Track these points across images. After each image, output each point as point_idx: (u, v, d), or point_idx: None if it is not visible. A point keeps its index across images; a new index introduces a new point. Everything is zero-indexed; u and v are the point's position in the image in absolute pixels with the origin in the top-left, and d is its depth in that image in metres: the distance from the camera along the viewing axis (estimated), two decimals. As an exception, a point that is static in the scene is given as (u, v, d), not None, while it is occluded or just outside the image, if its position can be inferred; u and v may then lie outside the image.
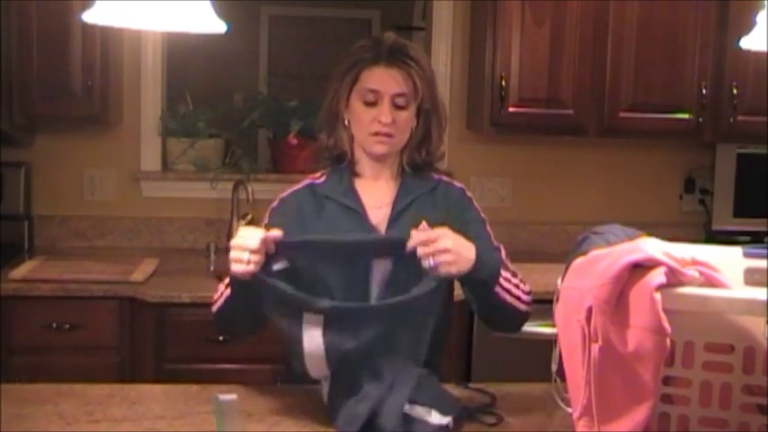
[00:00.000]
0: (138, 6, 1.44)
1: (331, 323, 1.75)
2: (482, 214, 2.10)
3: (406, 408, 1.73)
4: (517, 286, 1.97)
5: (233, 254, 1.77)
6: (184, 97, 3.77)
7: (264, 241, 1.76)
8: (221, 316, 2.01)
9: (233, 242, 1.78)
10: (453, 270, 1.80)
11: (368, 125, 2.00)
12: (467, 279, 1.87)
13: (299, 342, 1.76)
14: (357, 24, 7.37)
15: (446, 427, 1.74)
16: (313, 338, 1.76)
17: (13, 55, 3.18)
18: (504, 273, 1.93)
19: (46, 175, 3.59)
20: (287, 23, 7.49)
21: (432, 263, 1.78)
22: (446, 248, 1.79)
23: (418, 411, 1.74)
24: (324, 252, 1.83)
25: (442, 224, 1.92)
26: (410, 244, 1.79)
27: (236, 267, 1.76)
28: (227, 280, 1.92)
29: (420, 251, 1.79)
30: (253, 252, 1.75)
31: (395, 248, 1.82)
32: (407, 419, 1.72)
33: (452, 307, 2.11)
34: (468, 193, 2.13)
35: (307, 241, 1.85)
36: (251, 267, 1.76)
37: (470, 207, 2.10)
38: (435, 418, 1.74)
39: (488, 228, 2.09)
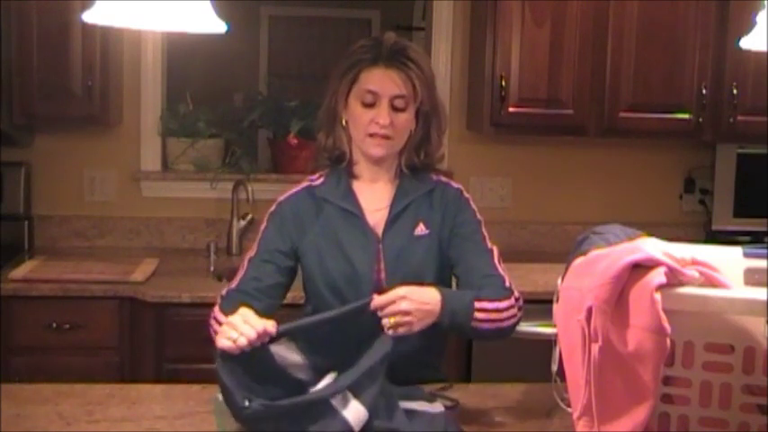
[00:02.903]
0: (138, 6, 1.44)
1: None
2: (478, 216, 2.08)
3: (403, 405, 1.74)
4: (497, 310, 1.92)
5: (225, 328, 1.71)
6: (184, 97, 3.77)
7: (260, 336, 1.69)
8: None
9: (231, 319, 1.73)
10: (415, 329, 1.80)
11: (365, 126, 1.99)
12: (437, 326, 1.86)
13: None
14: (357, 24, 7.37)
15: (442, 414, 1.77)
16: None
17: (13, 55, 3.18)
18: (478, 305, 1.89)
19: (46, 175, 3.59)
20: (287, 23, 7.48)
21: (388, 324, 1.78)
22: (404, 311, 1.79)
23: (411, 405, 1.76)
24: (316, 328, 1.84)
25: (439, 225, 1.97)
26: (371, 306, 1.80)
27: (223, 342, 1.70)
28: (223, 319, 1.86)
29: (380, 314, 1.79)
30: (245, 336, 1.68)
31: (364, 312, 1.81)
32: (415, 415, 1.74)
33: None
34: (466, 194, 2.11)
35: (299, 326, 1.80)
36: (235, 349, 1.68)
37: (466, 208, 2.08)
38: (428, 407, 1.77)
39: (483, 229, 2.06)
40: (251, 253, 2.05)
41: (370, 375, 1.67)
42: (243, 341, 1.66)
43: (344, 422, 1.61)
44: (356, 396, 1.64)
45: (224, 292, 2.03)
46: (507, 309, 1.94)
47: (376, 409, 1.67)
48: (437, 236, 2.02)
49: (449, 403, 1.89)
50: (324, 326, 1.84)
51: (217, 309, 2.00)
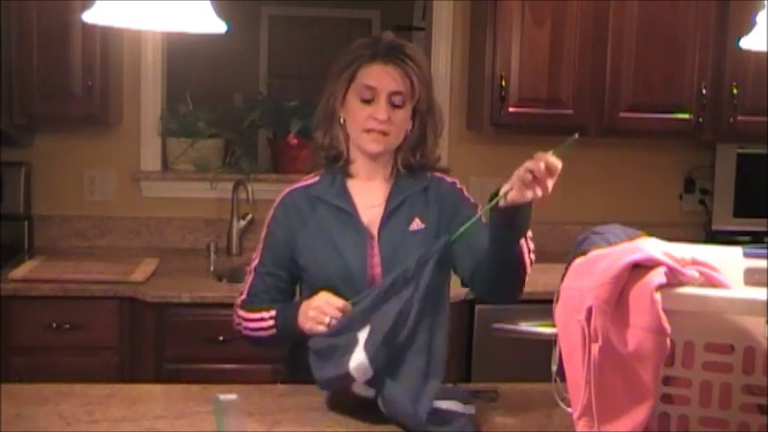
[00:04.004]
0: (138, 6, 1.44)
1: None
2: (473, 200, 2.10)
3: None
4: (530, 250, 1.94)
5: (314, 314, 1.89)
6: (184, 97, 3.77)
7: (342, 311, 1.87)
8: (258, 342, 2.10)
9: (318, 304, 1.89)
10: (528, 196, 1.75)
11: (363, 122, 2.00)
12: (510, 213, 1.79)
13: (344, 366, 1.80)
14: (357, 24, 7.37)
15: (472, 415, 1.79)
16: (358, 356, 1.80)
17: (13, 55, 3.18)
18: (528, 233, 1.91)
19: (46, 175, 3.59)
20: (287, 23, 7.49)
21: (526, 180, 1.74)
22: (546, 187, 1.77)
23: (440, 404, 1.78)
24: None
25: (436, 219, 2.00)
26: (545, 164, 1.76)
27: (318, 327, 1.87)
28: (268, 321, 2.02)
29: (539, 169, 1.74)
30: (332, 317, 1.87)
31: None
32: (435, 413, 1.76)
33: (449, 301, 2.13)
34: (459, 185, 2.13)
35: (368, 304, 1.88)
36: (326, 330, 1.86)
37: (464, 200, 2.10)
38: (459, 407, 1.79)
39: (475, 206, 2.08)
40: (255, 262, 2.12)
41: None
42: (334, 323, 1.86)
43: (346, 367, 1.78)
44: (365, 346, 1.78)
45: (239, 301, 2.12)
46: (532, 258, 1.95)
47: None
48: (434, 230, 2.03)
49: (492, 395, 1.96)
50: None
51: (242, 312, 2.10)
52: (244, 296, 2.11)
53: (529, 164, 1.74)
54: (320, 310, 1.88)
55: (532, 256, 1.95)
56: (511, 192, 1.74)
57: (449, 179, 2.14)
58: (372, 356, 1.76)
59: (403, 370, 1.79)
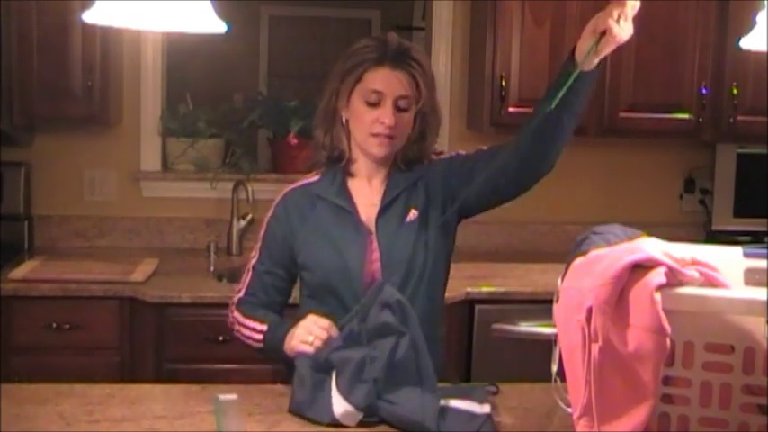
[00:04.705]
0: (138, 6, 1.44)
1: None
2: (450, 154, 2.13)
3: (442, 402, 1.78)
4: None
5: (300, 332, 1.92)
6: (184, 97, 3.77)
7: (330, 335, 1.90)
8: (247, 346, 2.13)
9: (304, 323, 1.93)
10: (623, 36, 1.81)
11: (369, 126, 2.01)
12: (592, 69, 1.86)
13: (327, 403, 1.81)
14: (357, 24, 7.37)
15: (488, 415, 1.79)
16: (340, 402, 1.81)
17: (13, 55, 3.18)
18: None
19: (46, 175, 3.59)
20: (287, 23, 7.49)
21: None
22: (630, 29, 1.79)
23: (457, 405, 1.80)
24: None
25: (424, 203, 2.04)
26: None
27: (302, 346, 1.90)
28: (258, 333, 2.05)
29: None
30: (318, 338, 1.89)
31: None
32: (449, 413, 1.77)
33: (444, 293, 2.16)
34: (436, 155, 2.14)
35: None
36: (311, 349, 1.89)
37: (441, 166, 2.10)
38: (475, 407, 1.80)
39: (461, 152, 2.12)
40: (254, 260, 2.14)
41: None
42: (318, 342, 1.89)
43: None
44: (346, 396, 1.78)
45: (235, 299, 2.14)
46: None
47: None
48: (426, 214, 2.05)
49: (493, 389, 1.97)
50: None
51: (237, 314, 2.12)
52: (241, 294, 2.13)
53: (612, 8, 1.77)
54: (307, 330, 1.91)
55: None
56: (602, 40, 1.77)
57: (434, 157, 2.14)
58: (351, 400, 1.77)
59: (398, 393, 1.79)
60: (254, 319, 2.07)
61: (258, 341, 2.05)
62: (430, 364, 1.83)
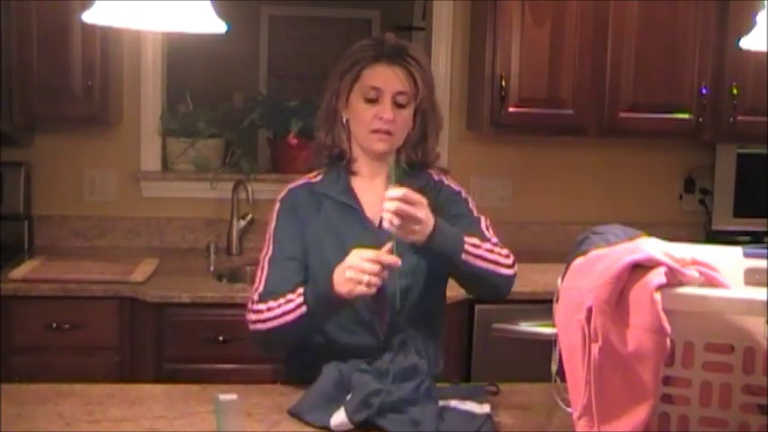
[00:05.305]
0: (138, 6, 1.44)
1: None
2: (471, 206, 2.12)
3: (441, 403, 1.79)
4: (491, 251, 1.97)
5: (351, 273, 1.81)
6: (184, 97, 3.77)
7: (384, 267, 1.82)
8: (279, 333, 1.96)
9: (352, 263, 1.82)
10: (415, 239, 1.83)
11: (369, 122, 2.02)
12: (425, 249, 1.88)
13: None
14: (357, 24, 7.37)
15: (489, 415, 1.79)
16: None
17: (13, 55, 3.18)
18: (469, 240, 1.92)
19: (46, 175, 3.59)
20: (287, 23, 7.49)
21: (394, 223, 1.79)
22: (419, 219, 1.81)
23: (458, 406, 1.80)
24: None
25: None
26: (396, 194, 1.79)
27: (358, 288, 1.81)
28: (296, 299, 1.92)
29: (397, 207, 1.78)
30: (373, 274, 1.80)
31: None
32: (449, 413, 1.78)
33: (445, 304, 2.16)
34: (465, 195, 2.14)
35: None
36: (371, 290, 1.81)
37: (467, 211, 2.10)
38: (476, 407, 1.80)
39: (471, 205, 2.12)
40: (267, 253, 2.05)
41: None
42: (375, 280, 1.80)
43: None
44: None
45: (255, 296, 2.00)
46: (505, 255, 2.00)
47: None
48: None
49: (493, 389, 1.97)
50: None
51: (260, 305, 1.98)
52: (261, 289, 2.00)
53: (384, 214, 1.81)
54: (358, 269, 1.80)
55: (502, 258, 1.99)
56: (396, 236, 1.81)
57: (455, 187, 2.15)
58: (351, 417, 1.77)
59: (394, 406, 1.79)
60: (282, 296, 1.94)
61: (298, 306, 1.91)
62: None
